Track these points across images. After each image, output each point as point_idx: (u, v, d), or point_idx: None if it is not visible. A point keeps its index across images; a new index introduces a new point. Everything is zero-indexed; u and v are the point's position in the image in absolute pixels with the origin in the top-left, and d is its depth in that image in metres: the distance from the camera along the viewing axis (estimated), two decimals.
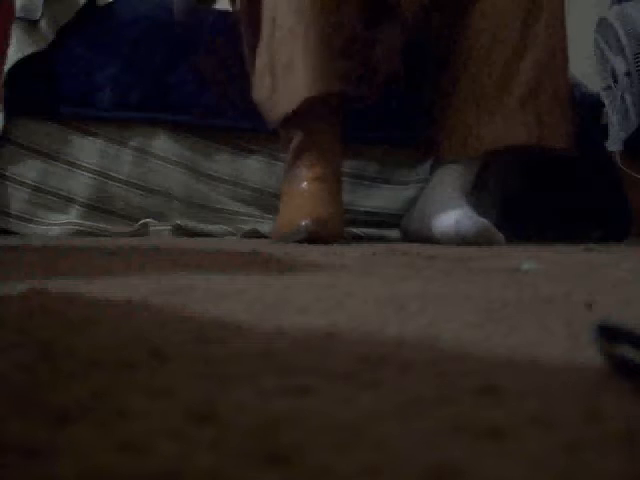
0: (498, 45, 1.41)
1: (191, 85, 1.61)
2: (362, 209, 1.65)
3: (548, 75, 1.42)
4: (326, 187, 1.36)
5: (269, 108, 1.40)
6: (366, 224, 1.64)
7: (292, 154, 1.40)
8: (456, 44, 1.44)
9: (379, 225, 1.64)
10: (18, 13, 1.53)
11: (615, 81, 1.86)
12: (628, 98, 1.83)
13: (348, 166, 1.63)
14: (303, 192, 1.36)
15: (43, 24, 1.57)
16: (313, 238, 1.27)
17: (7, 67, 1.50)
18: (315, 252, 1.09)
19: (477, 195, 1.57)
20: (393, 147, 1.66)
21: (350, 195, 1.63)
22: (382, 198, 1.65)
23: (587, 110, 1.71)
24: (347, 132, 1.46)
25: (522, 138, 1.40)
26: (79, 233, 1.54)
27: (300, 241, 1.28)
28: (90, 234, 1.54)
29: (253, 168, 1.63)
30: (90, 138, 1.60)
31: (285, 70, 1.34)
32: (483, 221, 1.33)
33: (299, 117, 1.37)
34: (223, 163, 1.63)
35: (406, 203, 1.61)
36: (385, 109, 1.62)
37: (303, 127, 1.38)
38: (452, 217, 1.34)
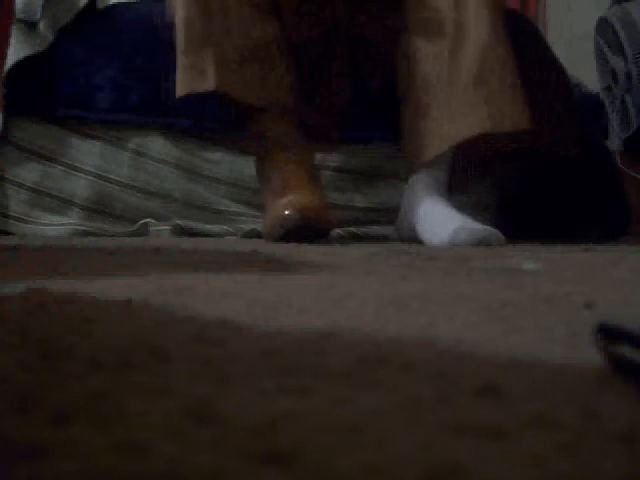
0: (435, 39, 1.39)
1: None
2: (361, 205, 1.64)
3: (492, 56, 1.37)
4: (301, 178, 1.37)
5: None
6: (366, 222, 1.63)
7: (258, 161, 1.42)
8: (398, 47, 1.43)
9: (379, 222, 1.63)
10: (18, 14, 1.53)
11: (615, 81, 1.86)
12: (628, 98, 1.83)
13: (349, 163, 1.62)
14: (280, 187, 1.36)
15: (42, 26, 1.57)
16: (300, 226, 1.27)
17: (6, 68, 1.50)
18: (315, 252, 1.08)
19: (474, 195, 1.57)
20: (394, 143, 1.64)
21: (350, 192, 1.62)
22: (382, 194, 1.64)
23: (587, 110, 1.70)
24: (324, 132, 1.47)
25: (476, 128, 1.37)
26: (79, 233, 1.54)
27: (289, 231, 1.27)
28: (90, 234, 1.54)
29: (253, 168, 1.62)
30: (89, 140, 1.60)
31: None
32: (477, 231, 1.29)
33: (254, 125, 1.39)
34: (222, 164, 1.63)
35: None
36: (381, 105, 1.61)
37: (261, 134, 1.40)
38: (444, 231, 1.31)
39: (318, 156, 1.53)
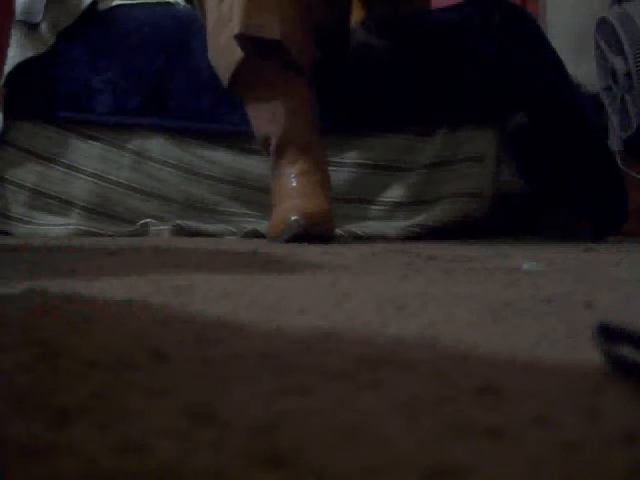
0: None
1: (189, 90, 1.61)
2: (370, 198, 1.62)
3: None
4: (313, 180, 1.36)
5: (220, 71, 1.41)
6: (375, 215, 1.61)
7: (274, 153, 1.41)
8: None
9: (387, 216, 1.61)
10: (19, 16, 1.53)
11: (615, 81, 1.86)
12: (628, 98, 1.83)
13: (354, 156, 1.61)
14: (291, 189, 1.36)
15: (43, 28, 1.57)
16: (304, 233, 1.27)
17: (7, 70, 1.50)
18: (315, 252, 1.08)
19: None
20: (395, 131, 1.62)
21: (359, 185, 1.61)
22: (388, 185, 1.62)
23: (588, 109, 1.70)
24: (326, 122, 1.46)
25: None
26: (79, 233, 1.54)
27: (293, 237, 1.27)
28: (90, 234, 1.54)
29: (253, 167, 1.62)
30: (89, 141, 1.60)
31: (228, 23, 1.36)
32: None
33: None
34: (222, 164, 1.62)
35: (411, 189, 1.59)
36: (379, 92, 1.60)
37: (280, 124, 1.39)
38: None
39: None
